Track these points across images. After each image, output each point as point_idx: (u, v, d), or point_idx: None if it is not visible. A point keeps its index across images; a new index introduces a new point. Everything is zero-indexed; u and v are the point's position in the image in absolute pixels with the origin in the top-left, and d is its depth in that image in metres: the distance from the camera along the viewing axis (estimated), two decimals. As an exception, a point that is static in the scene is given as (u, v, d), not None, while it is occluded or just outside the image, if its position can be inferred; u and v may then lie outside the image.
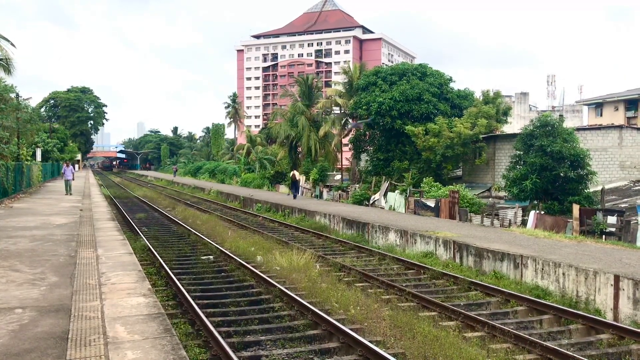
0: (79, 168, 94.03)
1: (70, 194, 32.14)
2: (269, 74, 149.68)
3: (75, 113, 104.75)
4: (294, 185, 35.46)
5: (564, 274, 12.21)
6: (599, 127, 33.54)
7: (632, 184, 29.17)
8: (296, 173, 36.61)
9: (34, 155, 44.83)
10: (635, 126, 38.54)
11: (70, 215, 20.75)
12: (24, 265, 10.78)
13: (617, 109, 56.04)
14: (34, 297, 8.34)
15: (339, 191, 39.86)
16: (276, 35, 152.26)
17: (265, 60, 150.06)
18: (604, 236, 19.50)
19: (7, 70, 29.97)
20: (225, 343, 8.19)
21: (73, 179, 33.88)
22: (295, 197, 34.73)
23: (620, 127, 32.67)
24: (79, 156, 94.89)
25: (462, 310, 10.53)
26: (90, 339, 6.46)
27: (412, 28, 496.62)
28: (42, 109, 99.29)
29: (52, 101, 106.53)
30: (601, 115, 57.88)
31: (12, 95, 39.64)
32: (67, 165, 33.59)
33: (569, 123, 52.43)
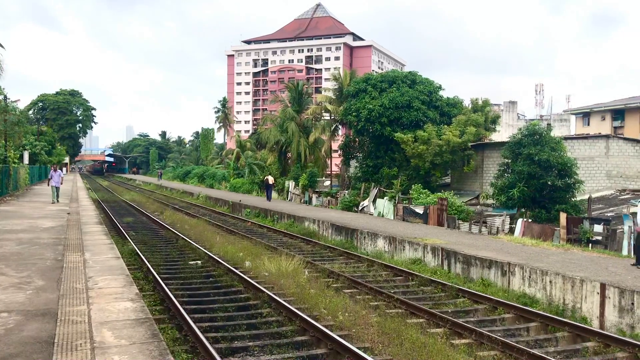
0: (67, 171, 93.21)
1: (58, 201, 28.43)
2: (259, 79, 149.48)
3: (64, 116, 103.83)
4: (268, 188, 39.14)
5: (551, 281, 12.29)
6: (586, 137, 33.83)
7: (618, 193, 29.44)
8: (269, 177, 40.30)
9: (21, 157, 44.39)
10: (621, 136, 38.93)
11: (57, 219, 20.58)
12: (10, 269, 10.67)
13: (604, 119, 56.59)
14: (19, 301, 8.26)
15: (328, 197, 39.86)
16: (267, 40, 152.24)
17: (255, 65, 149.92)
18: (590, 244, 19.65)
19: (-4, 72, 29.71)
20: (213, 349, 8.16)
21: (61, 183, 29.71)
22: (269, 199, 38.36)
23: (607, 136, 32.99)
24: (66, 159, 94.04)
25: (450, 317, 10.57)
26: (76, 343, 6.41)
27: (402, 35, 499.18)
28: (31, 112, 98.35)
29: (41, 104, 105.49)
30: (588, 125, 58.38)
31: (0, 97, 39.35)
32: (55, 170, 29.25)
33: (557, 132, 52.84)
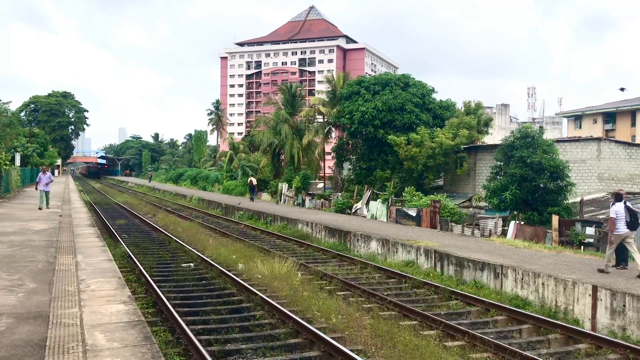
0: (59, 174, 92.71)
1: (48, 207, 25.69)
2: (253, 82, 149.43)
3: (56, 118, 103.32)
4: (251, 190, 42.98)
5: (543, 284, 12.34)
6: (578, 139, 33.98)
7: (609, 196, 29.58)
8: (253, 179, 44.25)
9: (13, 160, 44.09)
10: (613, 139, 39.16)
11: (49, 221, 20.48)
12: (1, 272, 10.61)
13: (596, 122, 56.96)
14: (11, 304, 8.21)
15: (322, 199, 39.85)
16: (260, 43, 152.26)
17: (249, 67, 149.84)
18: (582, 247, 19.74)
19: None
20: (206, 351, 8.14)
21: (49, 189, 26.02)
22: (252, 199, 41.81)
23: (598, 139, 33.15)
24: (59, 161, 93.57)
25: (443, 320, 10.59)
26: (68, 346, 6.38)
27: (395, 37, 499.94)
28: (22, 113, 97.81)
29: (33, 105, 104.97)
30: (580, 128, 58.75)
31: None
32: (44, 172, 25.88)
33: (549, 135, 53.06)
